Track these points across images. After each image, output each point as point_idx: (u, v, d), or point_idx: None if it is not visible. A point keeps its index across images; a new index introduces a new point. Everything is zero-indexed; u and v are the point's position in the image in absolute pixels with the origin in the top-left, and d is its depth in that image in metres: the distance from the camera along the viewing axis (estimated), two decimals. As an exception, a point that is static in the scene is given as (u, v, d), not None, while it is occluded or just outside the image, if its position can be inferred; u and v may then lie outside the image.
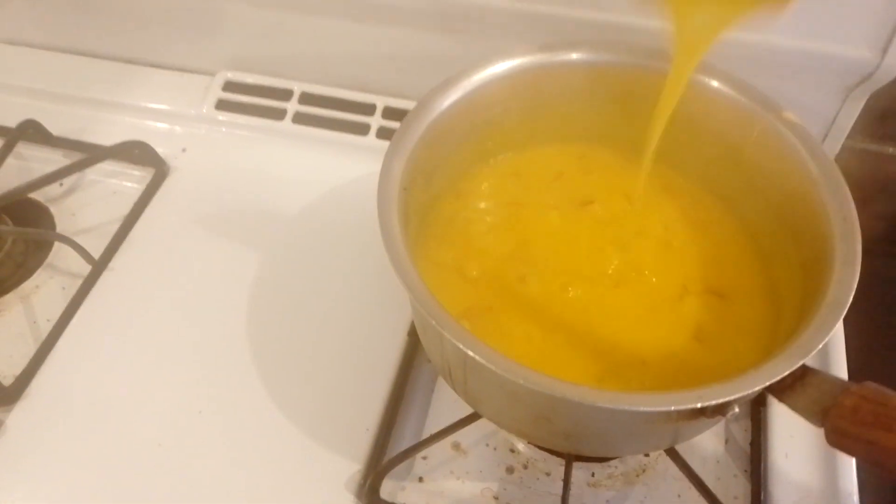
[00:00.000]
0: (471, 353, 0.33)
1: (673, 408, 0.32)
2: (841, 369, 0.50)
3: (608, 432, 0.38)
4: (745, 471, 0.48)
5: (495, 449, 0.49)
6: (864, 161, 0.63)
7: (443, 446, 0.48)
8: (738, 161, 0.46)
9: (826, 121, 0.56)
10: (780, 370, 0.33)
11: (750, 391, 0.33)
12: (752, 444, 0.48)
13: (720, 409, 0.34)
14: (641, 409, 0.32)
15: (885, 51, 0.49)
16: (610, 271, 0.45)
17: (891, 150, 0.63)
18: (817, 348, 0.34)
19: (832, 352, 0.51)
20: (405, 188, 0.41)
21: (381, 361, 0.50)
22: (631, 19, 0.52)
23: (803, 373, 0.34)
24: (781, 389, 0.33)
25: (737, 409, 0.35)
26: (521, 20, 0.54)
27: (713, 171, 0.48)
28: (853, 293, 0.35)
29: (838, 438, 0.31)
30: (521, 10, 0.53)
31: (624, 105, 0.47)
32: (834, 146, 0.58)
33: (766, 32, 0.51)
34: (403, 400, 0.50)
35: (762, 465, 0.47)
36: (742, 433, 0.49)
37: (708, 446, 0.49)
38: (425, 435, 0.49)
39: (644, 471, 0.48)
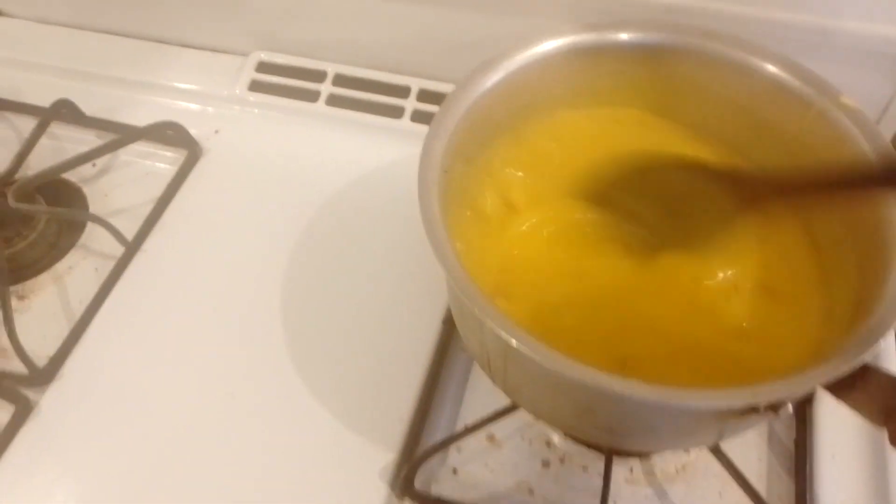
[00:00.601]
0: (514, 343, 0.32)
1: (727, 404, 0.31)
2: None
3: (654, 428, 0.37)
4: (789, 470, 0.46)
5: (531, 442, 0.48)
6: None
7: (478, 437, 0.48)
8: (794, 148, 0.44)
9: (880, 106, 0.54)
10: (840, 368, 0.31)
11: (807, 389, 0.31)
12: (796, 442, 0.47)
13: (773, 408, 0.33)
14: (694, 405, 0.31)
15: (949, 34, 0.47)
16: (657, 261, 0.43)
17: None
18: (879, 346, 0.32)
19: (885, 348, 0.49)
20: (445, 170, 0.40)
21: (415, 349, 0.49)
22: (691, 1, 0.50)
23: (864, 371, 0.32)
24: (841, 388, 0.32)
25: (790, 408, 0.34)
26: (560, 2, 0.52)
27: (770, 157, 0.46)
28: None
29: (904, 441, 0.29)
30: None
31: (674, 86, 0.45)
32: (888, 131, 0.55)
33: (822, 15, 0.49)
34: (438, 389, 0.49)
35: (808, 465, 0.45)
36: (786, 431, 0.47)
37: (751, 443, 0.47)
38: (459, 425, 0.48)
39: (684, 468, 0.47)
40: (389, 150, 0.59)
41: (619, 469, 0.47)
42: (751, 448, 0.47)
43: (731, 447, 0.46)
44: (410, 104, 0.62)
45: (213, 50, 0.67)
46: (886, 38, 0.49)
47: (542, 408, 0.40)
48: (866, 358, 0.31)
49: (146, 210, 0.57)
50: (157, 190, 0.59)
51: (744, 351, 0.40)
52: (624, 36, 0.44)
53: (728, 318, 0.41)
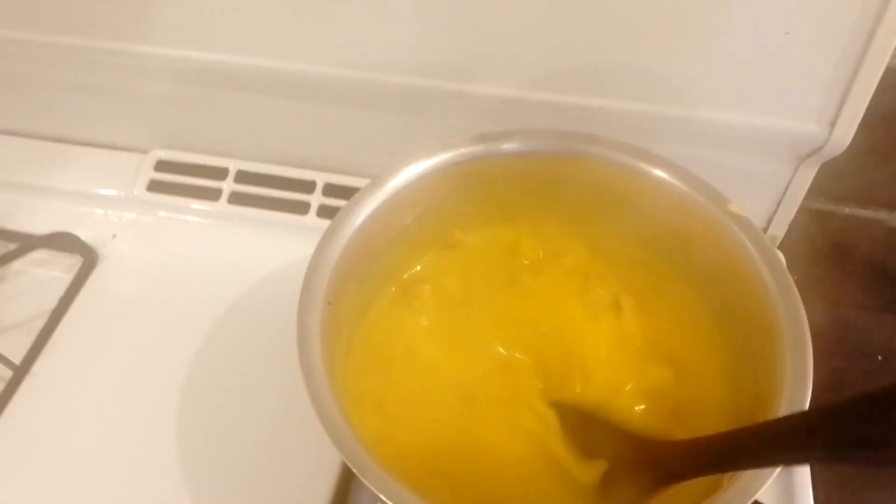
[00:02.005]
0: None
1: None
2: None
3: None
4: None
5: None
6: (821, 222, 0.62)
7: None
8: (689, 250, 0.43)
9: (779, 188, 0.55)
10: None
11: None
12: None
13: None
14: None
15: (832, 124, 0.48)
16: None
17: (846, 210, 0.62)
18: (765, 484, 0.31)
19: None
20: (329, 302, 0.38)
21: (320, 478, 0.47)
22: (570, 99, 0.50)
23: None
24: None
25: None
26: (457, 100, 0.52)
27: (672, 258, 0.45)
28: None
29: None
30: (456, 90, 0.51)
31: (560, 190, 0.45)
32: (788, 214, 0.56)
33: (713, 109, 0.49)
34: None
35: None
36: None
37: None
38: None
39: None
40: (295, 247, 0.56)
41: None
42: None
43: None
44: (316, 199, 0.60)
45: (112, 148, 0.64)
46: (779, 130, 0.50)
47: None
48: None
49: (39, 324, 0.54)
50: (51, 302, 0.56)
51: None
52: (512, 146, 0.43)
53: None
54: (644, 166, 0.42)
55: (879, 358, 0.54)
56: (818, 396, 0.51)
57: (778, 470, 0.31)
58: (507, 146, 0.43)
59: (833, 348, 0.54)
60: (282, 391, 0.51)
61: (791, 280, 0.38)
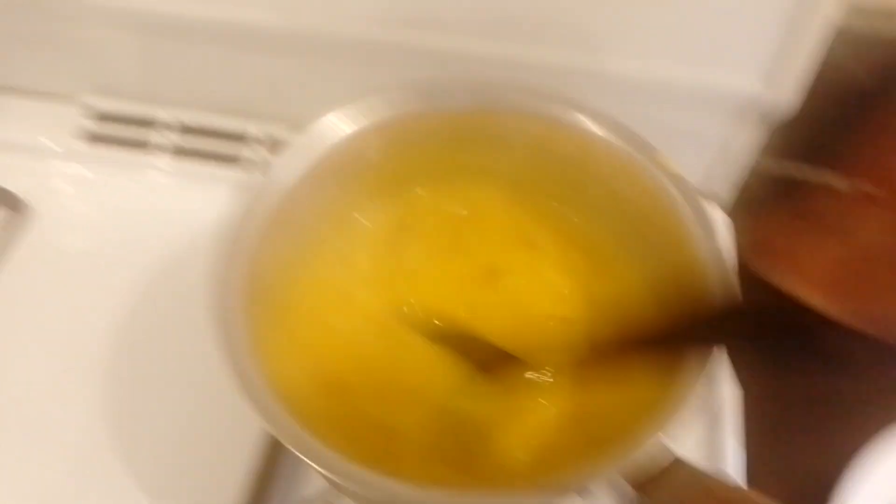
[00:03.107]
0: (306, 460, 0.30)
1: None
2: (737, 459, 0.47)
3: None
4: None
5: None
6: (766, 182, 0.61)
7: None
8: (620, 204, 0.43)
9: (724, 147, 0.54)
10: (641, 463, 0.30)
11: (600, 481, 0.30)
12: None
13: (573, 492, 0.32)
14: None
15: (774, 81, 0.47)
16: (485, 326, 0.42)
17: (796, 172, 0.62)
18: (659, 435, 0.31)
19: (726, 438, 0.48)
20: (248, 255, 0.37)
21: (250, 422, 0.46)
22: (509, 51, 0.49)
23: (673, 466, 0.31)
24: (646, 485, 0.31)
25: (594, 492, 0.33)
26: (393, 50, 0.50)
27: (599, 210, 0.45)
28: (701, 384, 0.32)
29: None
30: (393, 40, 0.50)
31: (498, 143, 0.44)
32: (733, 171, 0.56)
33: (651, 64, 0.48)
34: (276, 466, 0.46)
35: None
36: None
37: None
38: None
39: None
40: (235, 200, 0.56)
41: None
42: None
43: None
44: (252, 151, 0.58)
45: (43, 97, 0.62)
46: (721, 86, 0.49)
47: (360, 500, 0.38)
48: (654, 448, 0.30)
49: (-36, 282, 0.53)
50: (-21, 259, 0.54)
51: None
52: (447, 98, 0.42)
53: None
54: (572, 116, 0.41)
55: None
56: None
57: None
58: (438, 99, 0.42)
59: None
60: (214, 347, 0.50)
61: (718, 234, 0.38)
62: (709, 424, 0.48)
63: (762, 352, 0.24)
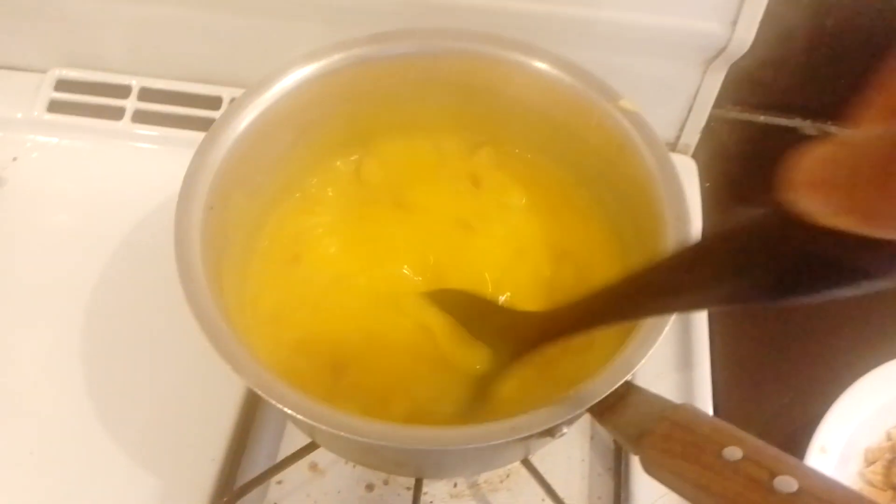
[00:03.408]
0: (281, 407, 0.31)
1: (486, 442, 0.30)
2: (705, 401, 0.48)
3: (440, 462, 0.36)
4: (610, 469, 0.47)
5: (354, 467, 0.47)
6: (736, 130, 0.62)
7: (299, 468, 0.46)
8: (583, 147, 0.43)
9: (688, 94, 0.55)
10: (598, 391, 0.31)
11: (567, 417, 0.31)
12: (614, 440, 0.47)
13: (546, 433, 0.32)
14: (449, 448, 0.30)
15: (734, 23, 0.47)
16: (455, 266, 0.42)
17: (762, 118, 0.62)
18: (637, 366, 0.32)
19: (696, 366, 0.49)
20: (211, 207, 0.37)
21: (228, 385, 0.47)
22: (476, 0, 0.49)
23: (625, 392, 0.32)
24: (601, 411, 0.32)
25: (565, 430, 0.33)
26: (355, 3, 0.50)
27: (564, 157, 0.45)
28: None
29: (651, 468, 0.29)
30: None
31: (460, 93, 0.44)
32: (699, 120, 0.56)
33: (617, 9, 0.48)
34: (255, 423, 0.47)
35: (622, 462, 0.46)
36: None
37: (574, 445, 0.48)
38: (280, 458, 0.46)
39: (508, 476, 0.47)
40: None
41: (443, 485, 0.46)
42: (574, 450, 0.48)
43: (555, 450, 0.47)
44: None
45: (9, 68, 0.62)
46: (682, 30, 0.49)
47: (336, 449, 0.39)
48: (619, 382, 0.31)
49: (-63, 252, 0.53)
50: (-50, 229, 0.54)
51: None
52: (405, 45, 0.42)
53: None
54: (536, 63, 0.41)
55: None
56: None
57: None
58: (396, 47, 0.42)
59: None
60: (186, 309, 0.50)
61: (678, 176, 0.38)
62: (678, 368, 0.49)
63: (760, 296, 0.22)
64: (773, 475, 0.25)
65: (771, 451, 0.26)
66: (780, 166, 0.17)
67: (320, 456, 0.46)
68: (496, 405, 0.36)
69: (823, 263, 0.19)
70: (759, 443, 0.27)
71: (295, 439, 0.47)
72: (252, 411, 0.47)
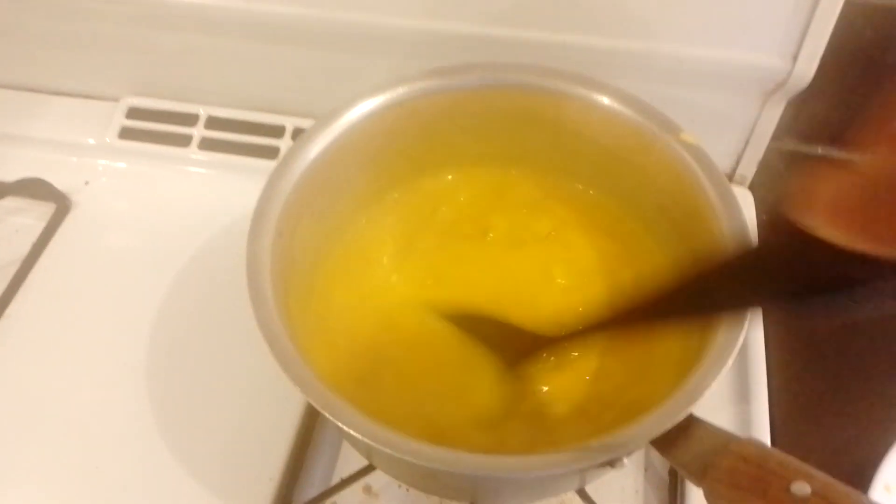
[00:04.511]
0: (344, 427, 0.31)
1: (546, 473, 0.31)
2: (764, 436, 0.47)
3: (498, 489, 0.36)
4: (664, 502, 0.46)
5: (408, 490, 0.47)
6: (794, 162, 0.61)
7: (354, 490, 0.46)
8: (644, 180, 0.43)
9: (747, 126, 0.55)
10: (662, 424, 0.31)
11: (629, 449, 0.31)
12: (670, 472, 0.47)
13: (606, 464, 0.33)
14: (510, 475, 0.31)
15: (795, 57, 0.47)
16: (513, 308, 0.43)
17: (819, 150, 0.62)
18: (701, 398, 0.32)
19: (753, 401, 0.48)
20: (280, 233, 0.39)
21: (286, 406, 0.48)
22: (533, 34, 0.50)
23: (688, 424, 0.32)
24: (664, 443, 0.32)
25: (625, 461, 0.33)
26: (422, 38, 0.52)
27: (624, 190, 0.46)
28: (742, 337, 0.33)
29: (716, 501, 0.29)
30: (421, 28, 0.51)
31: (521, 126, 0.45)
32: (757, 152, 0.56)
33: (676, 43, 0.49)
34: (311, 445, 0.48)
35: (678, 494, 0.45)
36: (661, 461, 0.47)
37: (628, 476, 0.47)
38: (336, 479, 0.47)
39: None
40: None
41: (497, 513, 0.46)
42: (628, 479, 0.47)
43: (609, 480, 0.46)
44: (285, 144, 0.60)
45: (84, 96, 0.65)
46: (743, 64, 0.49)
47: (394, 472, 0.40)
48: (683, 415, 0.31)
49: (13, 270, 0.55)
50: (25, 248, 0.56)
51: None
52: (469, 79, 0.43)
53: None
54: (597, 97, 0.42)
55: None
56: (779, 330, 0.51)
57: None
58: (461, 80, 0.43)
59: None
60: (252, 327, 0.51)
61: (741, 209, 0.38)
62: (735, 401, 0.49)
63: (789, 301, 0.24)
64: (844, 513, 0.25)
65: (841, 488, 0.26)
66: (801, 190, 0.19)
67: (375, 479, 0.47)
68: (559, 436, 0.36)
69: (841, 281, 0.21)
70: (829, 479, 0.27)
71: (350, 462, 0.48)
72: (309, 433, 0.48)
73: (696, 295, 0.29)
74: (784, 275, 0.23)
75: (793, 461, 0.28)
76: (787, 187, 0.21)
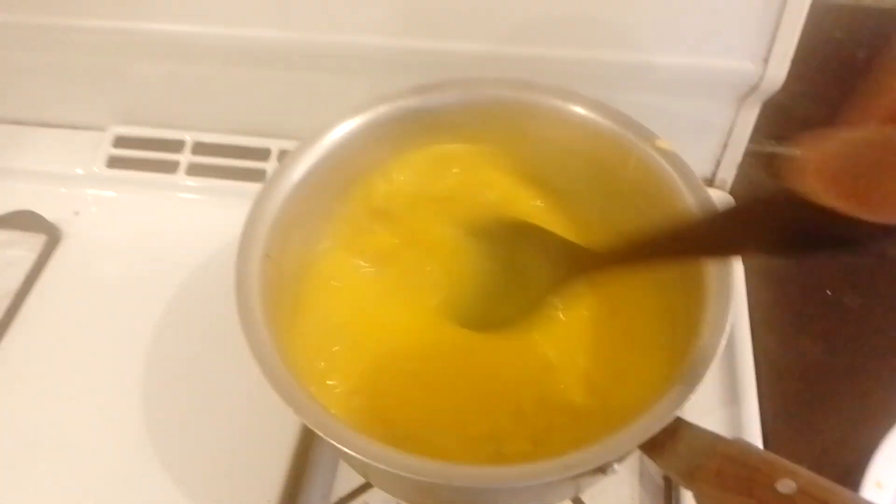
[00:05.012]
0: (338, 446, 0.32)
1: (538, 481, 0.31)
2: (755, 437, 0.48)
3: (492, 501, 0.37)
4: (660, 506, 0.47)
5: (405, 506, 0.47)
6: (772, 164, 0.62)
7: (352, 509, 0.47)
8: (623, 187, 0.44)
9: (723, 130, 0.55)
10: (650, 429, 0.32)
11: (618, 454, 0.32)
12: (664, 478, 0.47)
13: (598, 470, 0.33)
14: (502, 486, 0.31)
15: (766, 60, 0.48)
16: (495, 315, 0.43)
17: (798, 151, 0.62)
18: (687, 401, 0.32)
19: (743, 402, 0.49)
20: (268, 255, 0.39)
21: (282, 428, 0.48)
22: (509, 49, 0.51)
23: (675, 428, 0.32)
24: (653, 447, 0.32)
25: (616, 468, 0.34)
26: (398, 56, 0.52)
27: (603, 199, 0.46)
28: (724, 339, 0.34)
29: (705, 502, 0.29)
30: (397, 46, 0.52)
31: (503, 139, 0.46)
32: (735, 155, 0.57)
33: (647, 52, 0.50)
34: (309, 463, 0.48)
35: (673, 500, 0.46)
36: (656, 467, 0.48)
37: (624, 483, 0.48)
38: (333, 498, 0.47)
39: (558, 514, 0.47)
40: None
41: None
42: (623, 487, 0.48)
43: (605, 487, 0.47)
44: (272, 166, 0.61)
45: (71, 127, 0.65)
46: (715, 69, 0.50)
47: (389, 489, 0.40)
48: (669, 419, 0.31)
49: (5, 303, 0.56)
50: (17, 281, 0.57)
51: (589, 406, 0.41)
52: (447, 95, 0.44)
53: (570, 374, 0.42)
54: (573, 107, 0.43)
55: (829, 293, 0.55)
56: (767, 329, 0.52)
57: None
58: (442, 97, 0.44)
59: (785, 286, 0.56)
60: (244, 351, 0.52)
61: (715, 207, 0.39)
62: (725, 403, 0.50)
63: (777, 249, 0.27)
64: (828, 508, 0.26)
65: (825, 484, 0.27)
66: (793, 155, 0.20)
67: (373, 496, 0.47)
68: (547, 442, 0.37)
69: (824, 234, 0.23)
70: (813, 475, 0.27)
71: (347, 481, 0.48)
72: (305, 453, 0.48)
73: (689, 238, 0.32)
74: (775, 226, 0.26)
75: (778, 460, 0.29)
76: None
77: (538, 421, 0.40)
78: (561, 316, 0.43)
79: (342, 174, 0.44)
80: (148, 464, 0.47)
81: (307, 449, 0.48)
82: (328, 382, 0.42)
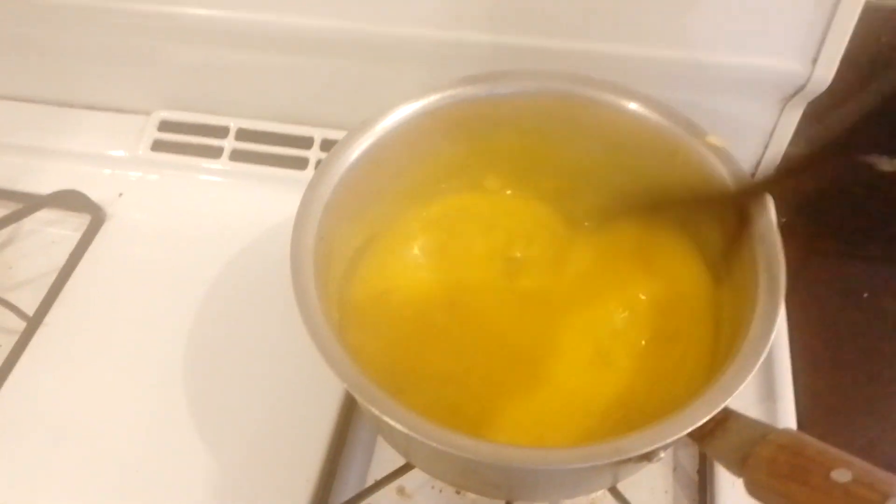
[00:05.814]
0: (386, 419, 0.32)
1: (590, 464, 0.31)
2: (789, 418, 0.48)
3: (536, 484, 0.37)
4: (693, 501, 0.47)
5: (441, 491, 0.48)
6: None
7: (387, 492, 0.47)
8: (671, 183, 0.44)
9: (765, 131, 0.55)
10: (699, 416, 0.32)
11: (669, 440, 0.32)
12: (699, 472, 0.47)
13: (644, 457, 0.33)
14: (554, 467, 0.31)
15: (814, 61, 0.48)
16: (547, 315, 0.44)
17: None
18: (737, 390, 0.33)
19: (779, 399, 0.49)
20: (321, 237, 0.40)
21: (320, 408, 0.49)
22: (558, 43, 0.51)
23: (725, 417, 0.33)
24: (702, 436, 0.32)
25: (662, 455, 0.34)
26: (450, 48, 0.53)
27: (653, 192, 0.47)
28: (775, 329, 0.34)
29: (756, 490, 0.30)
30: (449, 38, 0.52)
31: (553, 132, 0.46)
32: (776, 155, 0.57)
33: (695, 50, 0.50)
34: (346, 446, 0.49)
35: (708, 494, 0.46)
36: (690, 460, 0.48)
37: (657, 476, 0.48)
38: (370, 481, 0.48)
39: (593, 502, 0.47)
40: (295, 202, 0.58)
41: (529, 512, 0.47)
42: (657, 480, 0.48)
43: (638, 480, 0.47)
44: (314, 154, 0.62)
45: (116, 110, 0.66)
46: (762, 69, 0.51)
47: (432, 469, 0.40)
48: (730, 404, 0.32)
49: (50, 279, 0.57)
50: (62, 259, 0.58)
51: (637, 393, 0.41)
52: (497, 86, 0.45)
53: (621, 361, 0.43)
54: (625, 102, 0.43)
55: (865, 295, 0.55)
56: (804, 329, 0.52)
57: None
58: (495, 88, 0.44)
59: (820, 289, 0.56)
60: (284, 333, 0.53)
61: (772, 215, 0.40)
62: (761, 399, 0.50)
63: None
64: (885, 497, 0.26)
65: (881, 474, 0.27)
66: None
67: (409, 480, 0.48)
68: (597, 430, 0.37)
69: None
70: (869, 465, 0.28)
71: (383, 463, 0.49)
72: (343, 435, 0.49)
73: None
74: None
75: (831, 449, 0.29)
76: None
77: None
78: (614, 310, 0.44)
79: (393, 161, 0.44)
80: (189, 443, 0.48)
81: (345, 432, 0.49)
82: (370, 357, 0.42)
